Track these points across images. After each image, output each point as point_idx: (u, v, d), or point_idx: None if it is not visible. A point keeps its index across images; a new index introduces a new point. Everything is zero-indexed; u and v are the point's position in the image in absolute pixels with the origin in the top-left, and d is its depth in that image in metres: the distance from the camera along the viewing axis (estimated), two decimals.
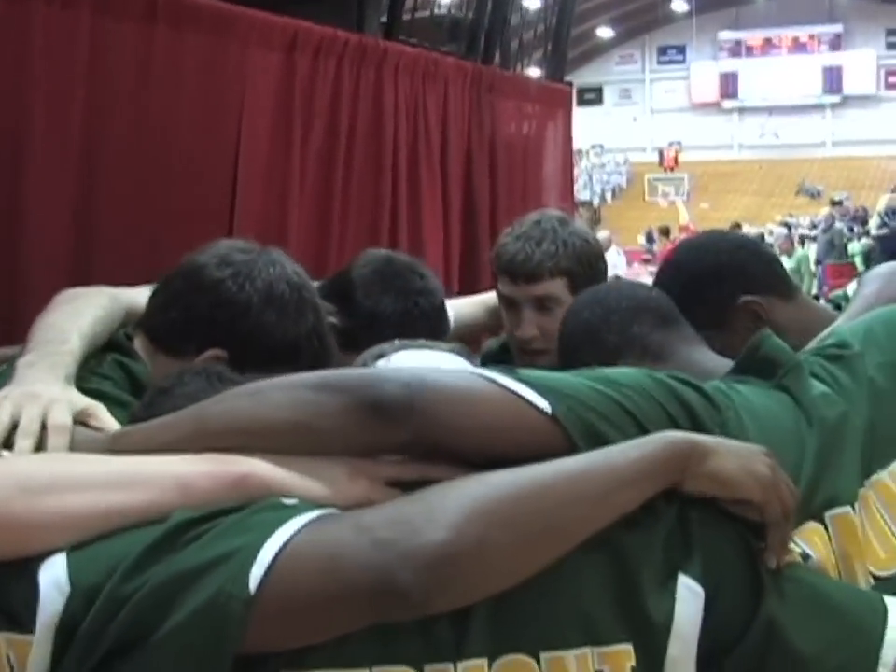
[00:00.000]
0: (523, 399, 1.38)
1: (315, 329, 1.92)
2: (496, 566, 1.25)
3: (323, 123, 3.56)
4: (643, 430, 1.40)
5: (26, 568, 1.25)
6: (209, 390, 1.52)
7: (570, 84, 5.68)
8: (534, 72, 6.21)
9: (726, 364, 1.70)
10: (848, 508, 1.50)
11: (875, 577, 1.50)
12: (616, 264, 15.56)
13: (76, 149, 2.83)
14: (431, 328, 2.32)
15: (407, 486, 1.36)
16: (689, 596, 1.32)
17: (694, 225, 27.10)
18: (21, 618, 1.24)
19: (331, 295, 2.14)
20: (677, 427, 1.42)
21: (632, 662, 1.30)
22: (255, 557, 1.21)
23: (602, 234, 14.07)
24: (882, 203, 21.25)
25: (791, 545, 1.42)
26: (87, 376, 1.77)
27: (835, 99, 38.23)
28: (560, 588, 1.30)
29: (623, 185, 38.68)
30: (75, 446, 1.48)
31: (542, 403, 1.38)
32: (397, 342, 1.72)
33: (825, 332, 1.88)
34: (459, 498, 1.26)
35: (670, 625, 1.31)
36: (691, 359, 1.82)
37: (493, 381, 1.40)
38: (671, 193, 35.03)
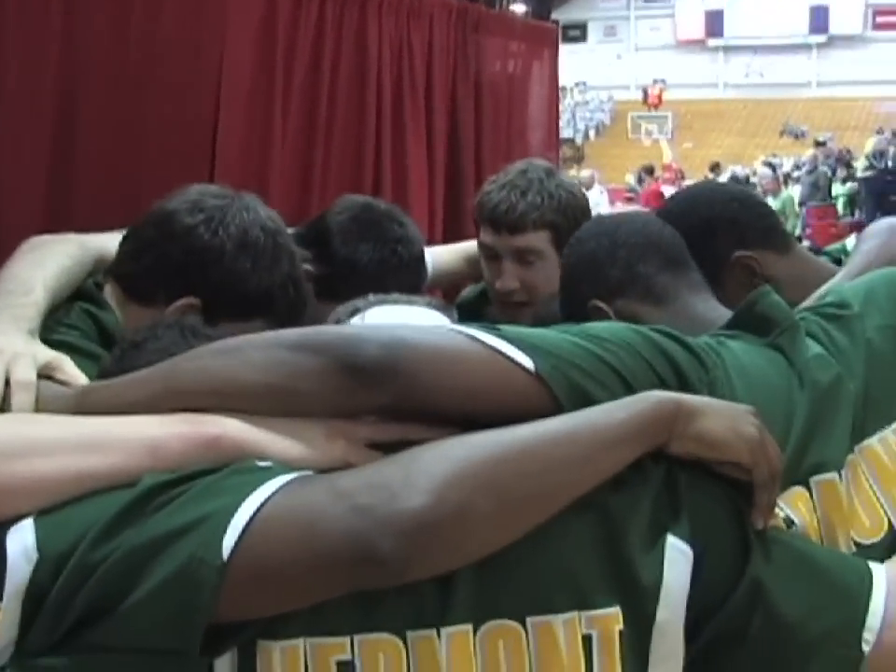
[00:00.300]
0: (506, 357, 1.35)
1: (290, 276, 1.88)
2: (477, 532, 1.23)
3: (306, 64, 3.50)
4: (629, 388, 1.37)
5: None
6: (182, 344, 1.49)
7: (557, 23, 5.61)
8: (519, 8, 6.13)
9: (727, 316, 1.67)
10: (835, 474, 1.49)
11: (857, 544, 1.49)
12: (599, 202, 15.52)
13: (51, 93, 2.76)
14: (410, 276, 2.29)
15: (386, 447, 1.34)
16: (678, 557, 1.31)
17: (677, 164, 27.07)
18: None
19: (308, 242, 2.10)
20: (663, 384, 1.40)
21: (620, 625, 1.29)
22: (228, 522, 1.18)
23: (585, 172, 14.09)
24: (870, 144, 21.18)
25: (776, 510, 1.40)
26: (53, 326, 1.73)
27: (821, 39, 37.97)
28: (546, 551, 1.28)
29: (607, 122, 38.47)
30: (41, 403, 1.44)
31: (526, 362, 1.35)
32: (371, 296, 1.68)
33: (823, 289, 1.86)
34: (439, 462, 1.23)
35: (659, 587, 1.30)
36: (693, 308, 1.78)
37: (475, 339, 1.36)
38: (655, 132, 34.87)
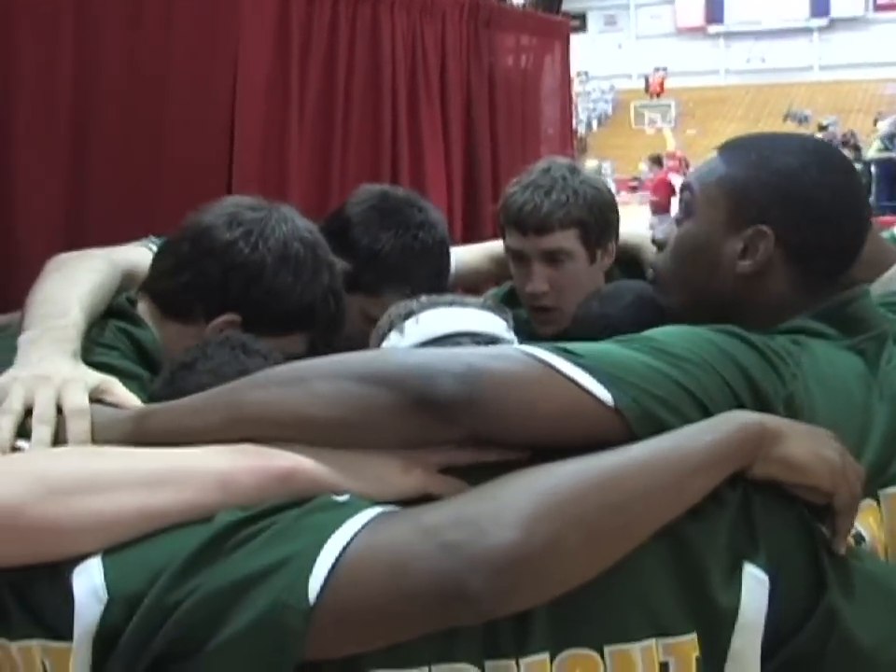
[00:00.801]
0: (584, 389, 1.31)
1: (330, 289, 1.84)
2: (566, 566, 1.20)
3: (320, 63, 3.48)
4: (706, 413, 1.33)
5: (57, 574, 1.20)
6: (234, 363, 1.46)
7: (567, 15, 5.58)
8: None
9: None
10: None
11: None
12: None
13: (66, 99, 2.73)
14: (434, 261, 2.24)
15: (460, 471, 1.31)
16: (755, 586, 1.28)
17: (682, 152, 27.04)
18: (55, 625, 1.19)
19: (328, 235, 2.04)
20: (739, 403, 1.35)
21: (697, 652, 1.26)
22: (312, 565, 1.15)
23: (591, 164, 14.10)
24: (883, 126, 21.06)
25: None
26: (90, 347, 1.67)
27: (823, 22, 37.95)
28: (623, 580, 1.25)
29: (609, 112, 38.50)
30: (95, 429, 1.38)
31: (604, 394, 1.31)
32: (424, 298, 1.63)
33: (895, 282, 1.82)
34: (526, 494, 1.19)
35: (736, 615, 1.26)
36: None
37: (550, 366, 1.31)
38: (658, 120, 34.89)
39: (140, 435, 1.34)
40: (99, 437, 1.37)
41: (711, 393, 1.35)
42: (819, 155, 1.58)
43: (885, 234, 2.22)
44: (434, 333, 1.54)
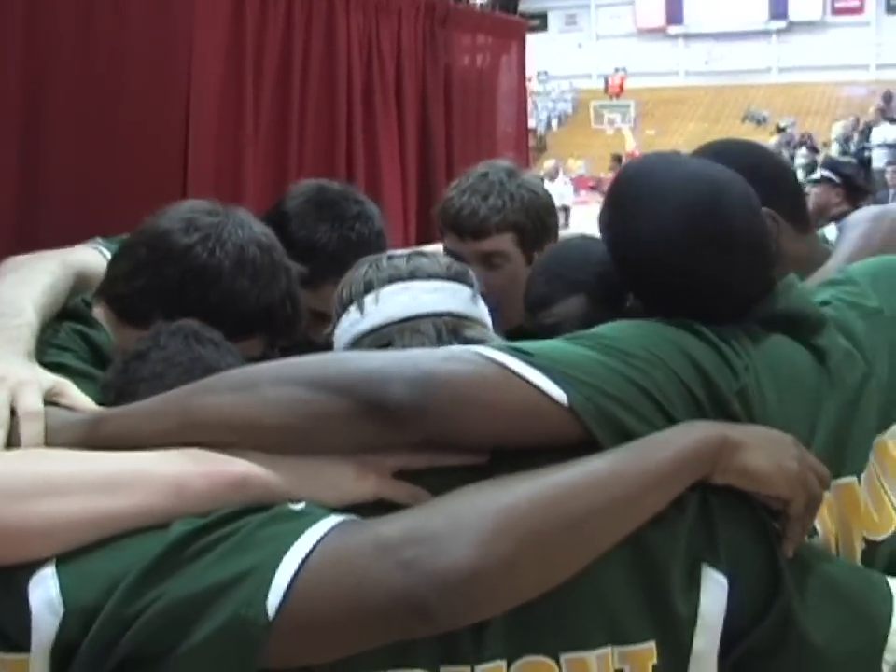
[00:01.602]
0: (538, 388, 1.31)
1: (287, 292, 1.84)
2: (523, 581, 1.21)
3: (275, 62, 3.49)
4: (660, 409, 1.34)
5: (12, 582, 1.19)
6: (187, 351, 1.46)
7: (527, 15, 5.60)
8: None
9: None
10: (854, 478, 1.48)
11: (868, 541, 1.49)
12: (563, 194, 15.50)
13: (16, 102, 2.71)
14: (372, 253, 2.26)
15: (416, 474, 1.31)
16: (714, 588, 1.30)
17: (640, 151, 27.13)
18: (10, 636, 1.19)
19: None
20: (693, 397, 1.36)
21: (654, 660, 1.28)
22: (271, 578, 1.16)
23: (549, 163, 13.99)
24: (836, 129, 21.22)
25: None
26: (43, 348, 1.66)
27: (781, 25, 38.11)
28: (583, 588, 1.26)
29: (569, 112, 38.49)
30: (49, 433, 1.37)
31: (558, 393, 1.31)
32: (384, 262, 1.60)
33: (831, 266, 1.85)
34: (484, 512, 1.20)
35: (695, 620, 1.28)
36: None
37: (504, 367, 1.32)
38: (617, 120, 34.88)
39: (94, 440, 1.33)
40: (52, 441, 1.36)
41: (664, 388, 1.35)
42: (697, 220, 1.48)
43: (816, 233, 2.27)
44: (394, 316, 1.53)
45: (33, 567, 1.20)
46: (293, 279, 1.87)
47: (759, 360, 1.44)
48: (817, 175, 6.86)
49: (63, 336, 1.75)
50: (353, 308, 1.57)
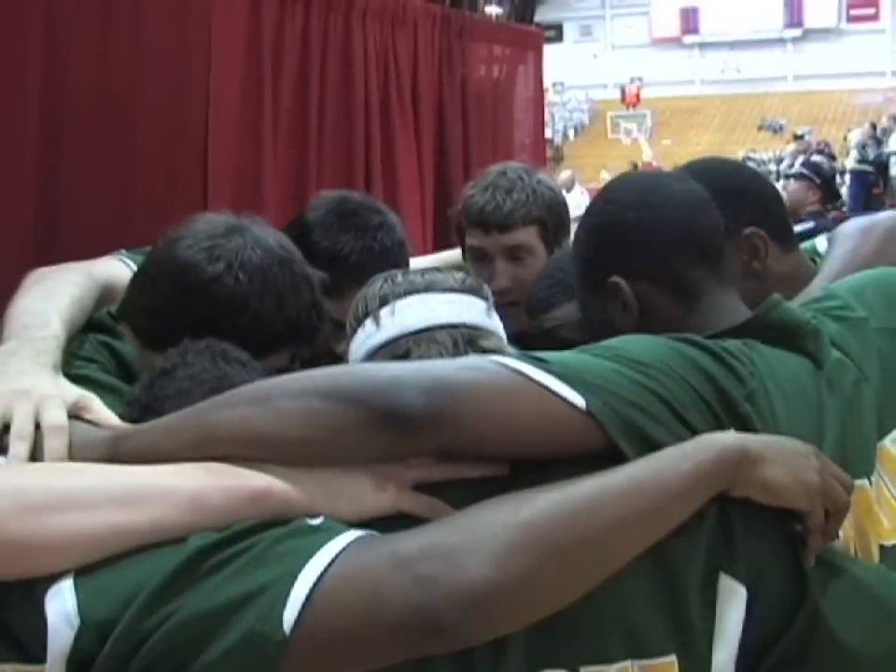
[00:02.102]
0: (555, 394, 1.29)
1: (312, 303, 1.84)
2: (542, 597, 1.20)
3: (293, 73, 3.50)
4: (678, 417, 1.33)
5: (30, 594, 1.20)
6: (213, 369, 1.47)
7: (542, 26, 5.61)
8: (494, 10, 6.13)
9: (745, 315, 1.58)
10: (865, 481, 1.47)
11: (881, 546, 1.48)
12: (580, 204, 15.49)
13: (35, 110, 2.72)
14: (394, 263, 2.26)
15: (435, 487, 1.30)
16: (731, 598, 1.28)
17: (657, 162, 27.09)
18: (27, 647, 1.19)
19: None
20: (708, 407, 1.35)
21: None
22: (287, 595, 1.15)
23: (566, 173, 13.87)
24: (855, 136, 21.15)
25: None
26: (69, 360, 1.66)
27: (797, 32, 38.08)
28: (604, 601, 1.25)
29: (586, 122, 38.47)
30: (73, 448, 1.37)
31: (576, 398, 1.29)
32: (399, 278, 1.61)
33: (815, 286, 1.85)
34: (502, 526, 1.19)
35: (713, 631, 1.27)
36: (716, 308, 1.63)
37: (521, 374, 1.30)
38: (634, 130, 34.89)
39: (115, 456, 1.33)
40: (76, 456, 1.36)
41: (679, 397, 1.34)
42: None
43: (806, 246, 2.27)
44: (410, 327, 1.53)
45: (50, 579, 1.20)
46: (315, 287, 1.86)
47: (762, 368, 1.43)
48: (796, 169, 6.86)
49: (88, 347, 1.75)
50: (368, 322, 1.57)
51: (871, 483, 1.48)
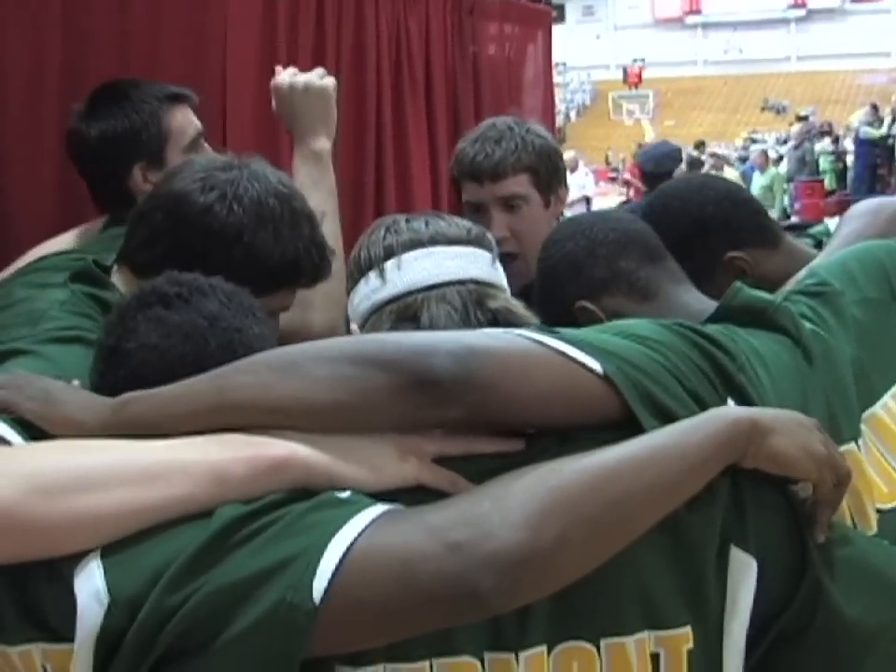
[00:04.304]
0: (573, 360, 1.31)
1: (312, 240, 1.81)
2: (571, 562, 1.21)
3: (307, 55, 3.47)
4: (684, 388, 1.36)
5: (57, 573, 1.19)
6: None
7: (550, 4, 5.59)
8: None
9: (711, 306, 1.64)
10: (853, 444, 1.49)
11: (878, 511, 1.50)
12: (584, 185, 15.48)
13: (54, 100, 2.72)
14: None
15: (453, 461, 1.31)
16: (742, 570, 1.30)
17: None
18: (55, 627, 1.18)
19: None
20: (709, 381, 1.38)
21: (689, 644, 1.28)
22: (317, 564, 1.14)
23: (569, 154, 13.79)
24: (857, 116, 21.19)
25: None
26: (53, 317, 1.67)
27: (800, 13, 38.06)
28: (623, 573, 1.27)
29: (587, 103, 38.48)
30: (72, 413, 1.32)
31: (593, 364, 1.31)
32: (402, 224, 1.59)
33: (802, 272, 1.86)
34: (532, 493, 1.19)
35: (725, 603, 1.29)
36: (678, 299, 1.77)
37: (541, 343, 1.32)
38: (636, 111, 34.89)
39: (119, 421, 1.30)
40: (76, 419, 1.32)
41: (686, 374, 1.37)
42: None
43: (820, 228, 2.27)
44: (418, 284, 1.53)
45: (76, 558, 1.19)
46: (316, 225, 1.83)
47: (743, 346, 1.46)
48: None
49: (74, 301, 1.73)
50: (373, 275, 1.56)
51: (859, 448, 1.50)
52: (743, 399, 1.39)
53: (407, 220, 1.60)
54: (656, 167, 6.37)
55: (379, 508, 1.22)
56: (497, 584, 1.15)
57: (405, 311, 1.51)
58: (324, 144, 2.34)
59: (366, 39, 3.79)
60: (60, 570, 1.19)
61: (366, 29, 3.79)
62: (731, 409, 1.35)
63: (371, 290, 1.56)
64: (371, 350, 1.30)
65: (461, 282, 1.53)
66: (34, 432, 1.32)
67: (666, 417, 1.32)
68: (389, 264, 1.55)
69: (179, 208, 1.76)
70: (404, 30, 4.06)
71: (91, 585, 1.17)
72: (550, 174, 2.59)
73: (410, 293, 1.52)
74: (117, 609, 1.15)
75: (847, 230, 2.03)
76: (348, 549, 1.15)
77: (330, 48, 3.57)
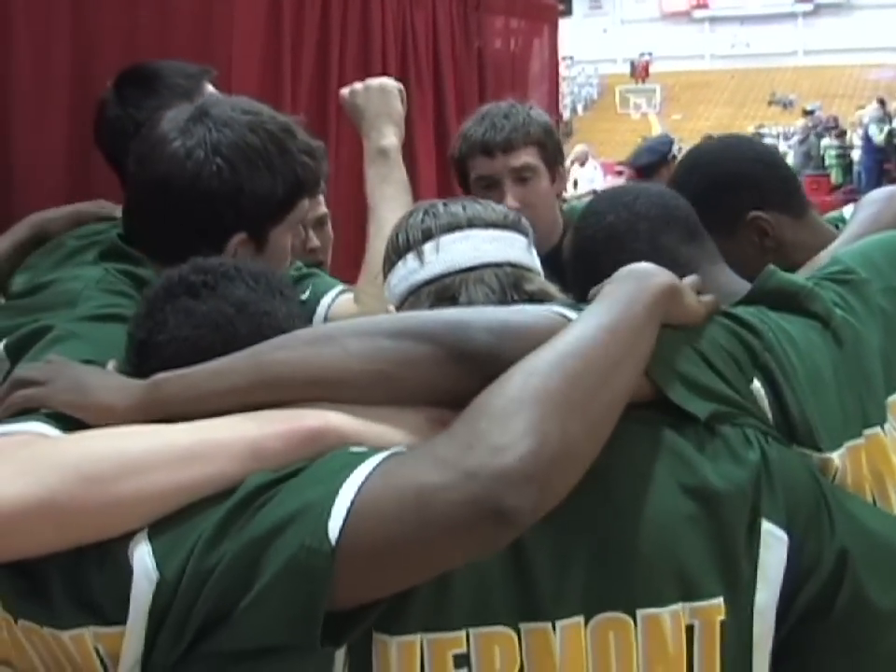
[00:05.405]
0: None
1: (303, 152, 1.81)
2: (579, 452, 1.22)
3: (312, 50, 3.50)
4: (712, 370, 1.40)
5: (108, 557, 1.21)
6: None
7: None
8: None
9: (745, 288, 1.66)
10: (878, 429, 1.52)
11: None
12: (594, 178, 15.45)
13: (64, 99, 2.75)
14: None
15: None
16: (774, 543, 1.32)
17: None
18: (106, 611, 1.21)
19: None
20: (736, 363, 1.42)
21: (721, 615, 1.30)
22: (331, 507, 1.15)
23: (579, 148, 13.76)
24: (871, 112, 21.10)
25: (833, 456, 1.44)
26: (91, 296, 1.67)
27: (807, 7, 37.92)
28: (657, 545, 1.29)
29: (595, 97, 38.38)
30: (105, 398, 1.36)
31: None
32: (440, 207, 1.60)
33: (822, 256, 1.88)
34: (523, 400, 1.20)
35: (756, 575, 1.31)
36: (716, 279, 1.75)
37: (569, 319, 1.34)
38: (643, 105, 34.78)
39: (154, 400, 1.33)
40: (109, 402, 1.36)
41: (708, 350, 1.42)
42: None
43: (835, 215, 2.29)
44: (456, 265, 1.53)
45: (126, 539, 1.22)
46: (297, 131, 1.82)
47: (773, 326, 1.49)
48: None
49: (110, 280, 1.74)
50: (411, 256, 1.56)
51: (884, 431, 1.52)
52: (769, 378, 1.43)
53: (445, 204, 1.61)
54: (636, 160, 6.36)
55: (387, 452, 1.23)
56: (518, 497, 1.14)
57: (443, 292, 1.52)
58: (391, 140, 2.33)
59: (372, 34, 3.81)
60: (111, 553, 1.22)
61: (372, 25, 3.81)
62: (651, 269, 1.42)
63: (408, 272, 1.56)
64: (411, 323, 1.33)
65: (498, 264, 1.54)
66: (72, 426, 1.35)
67: (698, 391, 1.37)
68: (427, 246, 1.56)
69: (168, 186, 1.74)
70: (410, 25, 4.07)
71: (141, 564, 1.20)
72: (555, 149, 2.72)
73: (448, 275, 1.53)
74: (165, 584, 1.18)
75: (863, 215, 2.05)
76: (359, 489, 1.16)
77: (335, 43, 3.59)
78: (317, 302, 2.13)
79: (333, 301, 2.15)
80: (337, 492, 1.17)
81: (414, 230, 1.58)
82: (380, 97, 2.40)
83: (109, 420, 1.34)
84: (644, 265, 1.42)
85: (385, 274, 1.62)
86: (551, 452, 1.17)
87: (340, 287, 2.20)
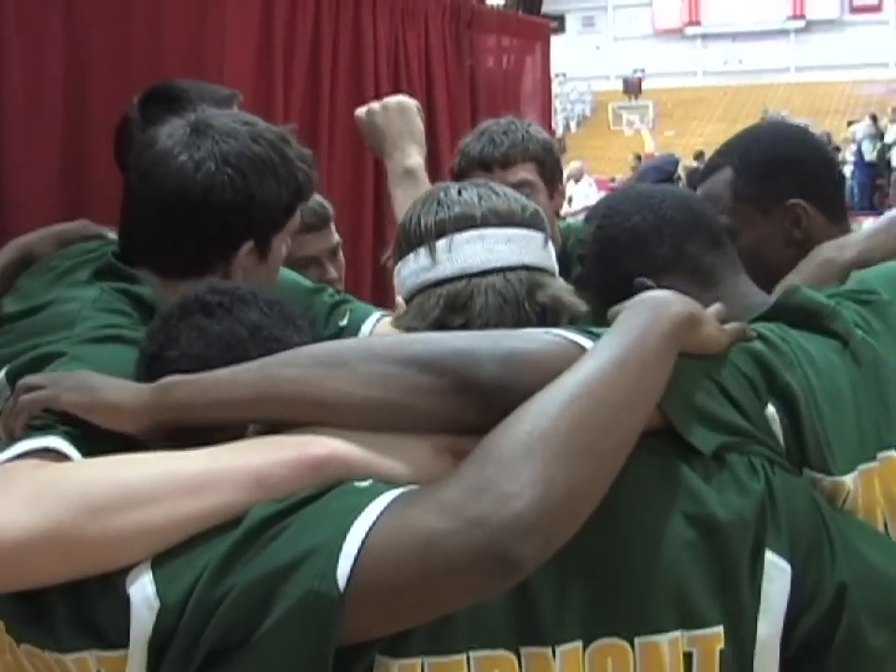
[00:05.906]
0: None
1: (298, 159, 1.84)
2: (586, 496, 1.22)
3: (304, 65, 3.51)
4: (726, 396, 1.38)
5: (110, 585, 1.22)
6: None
7: (546, 17, 5.62)
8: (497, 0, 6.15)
9: (766, 301, 1.66)
10: (892, 451, 1.50)
11: None
12: (588, 195, 15.48)
13: (57, 101, 2.75)
14: None
15: None
16: (777, 574, 1.32)
17: (660, 153, 27.04)
18: (108, 634, 1.21)
19: None
20: (752, 387, 1.41)
21: (721, 644, 1.29)
22: (339, 551, 1.16)
23: (574, 164, 13.84)
24: (863, 129, 21.14)
25: (846, 479, 1.43)
26: (87, 317, 1.66)
27: (799, 24, 37.99)
28: (658, 572, 1.28)
29: (588, 114, 38.43)
30: (113, 398, 1.37)
31: None
32: (454, 195, 1.58)
33: (847, 250, 1.89)
34: (530, 444, 1.19)
35: (758, 605, 1.30)
36: (738, 290, 1.75)
37: (576, 343, 1.34)
38: (636, 121, 34.83)
39: (161, 406, 1.34)
40: (118, 407, 1.36)
41: (726, 377, 1.40)
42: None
43: (854, 227, 2.30)
44: (468, 269, 1.52)
45: (129, 567, 1.22)
46: (292, 140, 1.85)
47: (793, 345, 1.48)
48: None
49: (106, 299, 1.74)
50: (423, 252, 1.55)
51: None
52: (786, 400, 1.41)
53: (459, 192, 1.59)
54: (642, 179, 6.39)
55: (394, 492, 1.23)
56: (524, 547, 1.15)
57: (455, 299, 1.51)
58: (416, 160, 2.36)
59: (364, 52, 3.83)
60: (113, 582, 1.22)
61: (364, 43, 3.82)
62: (668, 303, 1.38)
63: (420, 268, 1.56)
64: (420, 352, 1.32)
65: (512, 268, 1.53)
66: (87, 443, 1.37)
67: (707, 423, 1.36)
68: (440, 244, 1.55)
69: (178, 198, 1.75)
70: (402, 43, 4.09)
71: (142, 592, 1.20)
72: (553, 166, 2.74)
73: (460, 277, 1.53)
74: (166, 613, 1.18)
75: (880, 225, 2.04)
76: (368, 533, 1.17)
77: (327, 60, 3.60)
78: (358, 328, 2.13)
79: (374, 326, 2.13)
80: (345, 536, 1.17)
81: (427, 221, 1.57)
82: (400, 116, 2.40)
83: (116, 421, 1.36)
84: (662, 293, 1.41)
85: (396, 260, 1.60)
86: (558, 500, 1.17)
87: (378, 312, 2.19)
